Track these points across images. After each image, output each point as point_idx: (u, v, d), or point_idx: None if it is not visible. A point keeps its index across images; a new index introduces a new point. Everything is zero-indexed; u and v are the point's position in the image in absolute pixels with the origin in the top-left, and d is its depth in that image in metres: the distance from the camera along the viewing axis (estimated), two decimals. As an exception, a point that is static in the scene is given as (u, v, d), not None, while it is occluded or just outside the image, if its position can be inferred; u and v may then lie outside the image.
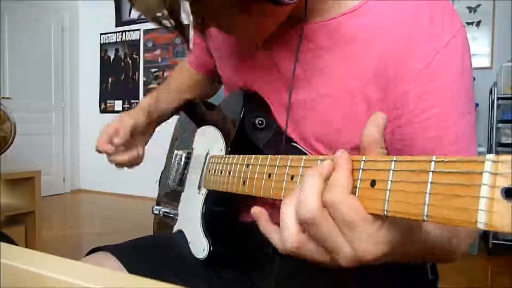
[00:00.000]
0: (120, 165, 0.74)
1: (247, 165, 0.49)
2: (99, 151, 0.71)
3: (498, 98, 2.54)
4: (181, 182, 0.76)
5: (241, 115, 0.60)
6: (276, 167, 0.43)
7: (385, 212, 0.29)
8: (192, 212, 0.66)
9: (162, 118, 0.85)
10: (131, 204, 4.09)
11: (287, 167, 0.41)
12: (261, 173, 0.46)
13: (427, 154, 0.28)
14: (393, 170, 0.29)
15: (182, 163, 0.76)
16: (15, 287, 0.25)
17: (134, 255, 0.61)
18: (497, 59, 2.87)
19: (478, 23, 2.95)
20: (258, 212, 0.38)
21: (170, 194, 0.80)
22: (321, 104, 0.55)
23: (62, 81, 4.58)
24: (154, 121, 0.81)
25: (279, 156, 0.44)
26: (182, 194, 0.74)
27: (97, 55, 4.67)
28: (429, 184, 0.26)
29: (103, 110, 4.64)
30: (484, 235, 2.65)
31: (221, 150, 0.64)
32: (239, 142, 0.61)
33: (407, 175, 0.28)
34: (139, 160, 0.76)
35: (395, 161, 0.29)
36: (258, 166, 0.47)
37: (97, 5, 4.61)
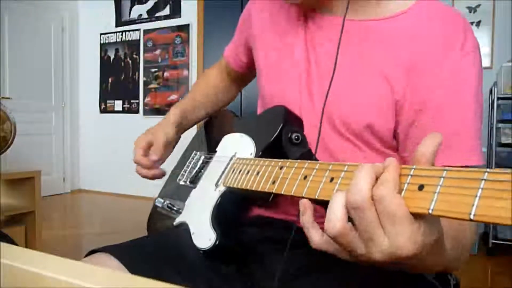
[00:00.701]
0: (145, 177, 0.80)
1: (281, 167, 0.51)
2: (137, 163, 0.78)
3: (498, 98, 2.54)
4: (195, 180, 0.76)
5: (280, 127, 0.63)
6: (315, 170, 0.44)
7: (430, 211, 0.31)
8: (203, 205, 0.66)
9: (189, 128, 0.89)
10: (131, 204, 4.09)
11: (328, 170, 0.42)
12: (296, 174, 0.47)
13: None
14: (443, 177, 0.32)
15: (200, 163, 0.78)
16: (15, 287, 0.25)
17: (134, 255, 0.60)
18: (497, 59, 2.87)
19: (478, 23, 2.95)
20: (306, 204, 0.41)
21: (178, 190, 0.80)
22: (349, 89, 0.62)
23: (62, 81, 4.58)
24: (182, 133, 0.86)
25: (319, 162, 0.45)
26: (193, 190, 0.74)
27: (97, 55, 4.67)
28: (479, 190, 0.29)
29: (103, 110, 4.64)
30: (484, 235, 2.65)
31: (251, 154, 0.65)
32: (272, 151, 0.62)
33: (457, 182, 0.31)
34: (163, 176, 0.81)
35: (446, 170, 0.32)
36: (294, 168, 0.48)
37: (97, 5, 4.62)
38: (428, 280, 0.59)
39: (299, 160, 0.49)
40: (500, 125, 2.53)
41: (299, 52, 0.68)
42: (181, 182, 0.80)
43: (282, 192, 0.48)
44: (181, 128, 0.85)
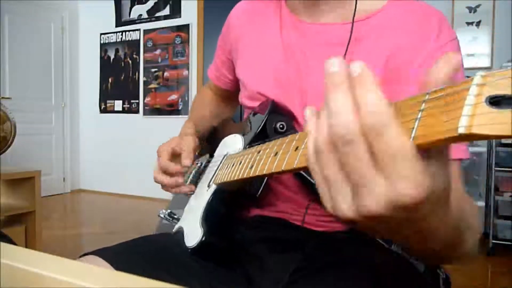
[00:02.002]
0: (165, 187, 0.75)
1: (258, 152, 0.51)
2: (164, 169, 0.72)
3: (498, 98, 2.54)
4: (195, 186, 0.77)
5: (265, 119, 0.65)
6: (284, 144, 0.43)
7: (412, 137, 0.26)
8: (197, 208, 0.66)
9: (203, 140, 0.89)
10: (131, 204, 4.09)
11: (294, 141, 0.41)
12: (269, 153, 0.47)
13: None
14: (424, 101, 0.27)
15: (200, 169, 0.78)
16: (15, 287, 0.25)
17: (125, 257, 0.60)
18: (497, 59, 2.87)
19: (478, 23, 2.95)
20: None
21: (181, 199, 0.80)
22: None
23: (62, 81, 4.58)
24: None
25: (289, 136, 0.43)
26: (192, 196, 0.74)
27: (97, 55, 4.67)
28: (419, 113, 0.26)
29: (103, 110, 4.64)
30: (484, 235, 2.65)
31: (239, 149, 0.66)
32: (257, 141, 0.63)
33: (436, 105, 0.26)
34: (191, 191, 0.77)
35: (428, 93, 0.27)
36: (268, 149, 0.48)
37: (97, 5, 4.61)
38: (419, 273, 0.60)
39: (273, 141, 0.48)
40: (500, 125, 2.52)
41: (278, 56, 0.70)
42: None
43: (257, 174, 0.48)
44: (199, 139, 0.83)
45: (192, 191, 0.72)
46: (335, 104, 0.27)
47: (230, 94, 0.91)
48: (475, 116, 0.23)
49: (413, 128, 0.26)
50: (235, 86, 0.86)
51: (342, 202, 0.28)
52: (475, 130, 0.22)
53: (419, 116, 0.26)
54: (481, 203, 2.52)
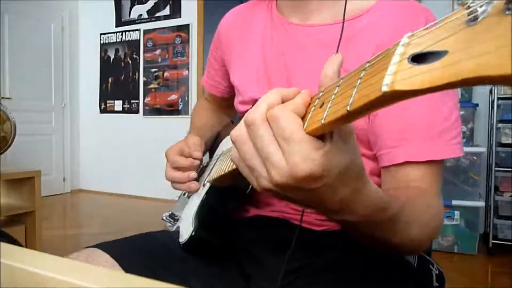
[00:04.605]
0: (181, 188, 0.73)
1: None
2: (175, 164, 0.71)
3: (498, 98, 2.54)
4: None
5: None
6: None
7: (322, 121, 0.29)
8: (192, 205, 0.67)
9: (207, 147, 0.87)
10: (131, 204, 4.09)
11: None
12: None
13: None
14: (338, 86, 0.30)
15: (201, 169, 0.78)
16: (15, 287, 0.25)
17: (124, 250, 0.61)
18: (497, 59, 2.87)
19: (478, 23, 2.95)
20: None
21: (183, 202, 0.81)
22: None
23: (62, 81, 4.58)
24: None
25: None
26: (191, 196, 0.74)
27: (97, 55, 4.67)
28: (358, 81, 0.27)
29: (103, 110, 4.64)
30: (484, 235, 2.65)
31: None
32: None
33: (347, 85, 0.29)
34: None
35: (342, 79, 0.30)
36: None
37: (97, 5, 4.62)
38: (413, 270, 0.60)
39: None
40: (500, 125, 2.53)
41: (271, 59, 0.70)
42: (186, 195, 0.81)
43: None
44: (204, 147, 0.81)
45: (198, 188, 0.71)
46: (258, 103, 0.35)
47: (226, 102, 0.90)
48: (397, 73, 0.23)
49: (350, 96, 0.27)
50: (230, 93, 0.85)
51: (261, 178, 0.35)
52: (397, 87, 0.22)
53: (356, 85, 0.27)
54: (481, 203, 2.52)
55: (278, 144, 0.33)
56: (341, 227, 0.51)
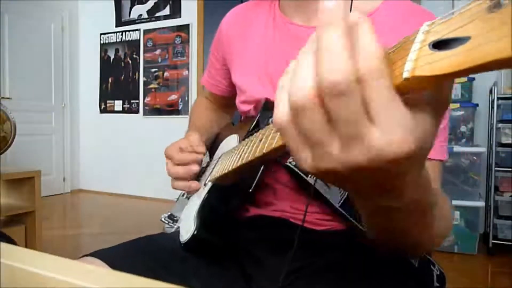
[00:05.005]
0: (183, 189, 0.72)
1: (246, 144, 0.53)
2: (179, 162, 0.70)
3: (498, 98, 2.54)
4: None
5: (258, 116, 0.66)
6: (268, 130, 0.45)
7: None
8: (193, 205, 0.67)
9: (208, 146, 0.86)
10: (131, 204, 4.09)
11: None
12: (254, 142, 0.49)
13: None
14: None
15: (201, 170, 0.78)
16: (15, 287, 0.25)
17: (121, 258, 0.60)
18: (497, 59, 2.87)
19: (478, 23, 2.95)
20: None
21: (182, 203, 0.81)
22: None
23: (62, 81, 4.58)
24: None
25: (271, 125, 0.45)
26: (191, 197, 0.75)
27: (97, 55, 4.67)
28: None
29: (103, 110, 4.64)
30: (484, 235, 2.65)
31: (233, 147, 0.66)
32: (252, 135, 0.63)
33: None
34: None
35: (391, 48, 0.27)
36: (254, 139, 0.50)
37: (97, 5, 4.62)
38: (414, 270, 0.60)
39: (260, 131, 0.49)
40: (500, 125, 2.53)
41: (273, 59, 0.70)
42: (185, 197, 0.81)
43: (243, 162, 0.50)
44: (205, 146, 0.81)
45: (199, 187, 0.71)
46: (329, 43, 0.24)
47: (226, 101, 0.90)
48: (418, 60, 0.23)
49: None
50: (231, 92, 0.85)
51: (327, 157, 0.27)
52: (418, 72, 0.23)
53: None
54: (481, 203, 2.52)
55: (368, 113, 0.24)
56: (364, 219, 0.44)
